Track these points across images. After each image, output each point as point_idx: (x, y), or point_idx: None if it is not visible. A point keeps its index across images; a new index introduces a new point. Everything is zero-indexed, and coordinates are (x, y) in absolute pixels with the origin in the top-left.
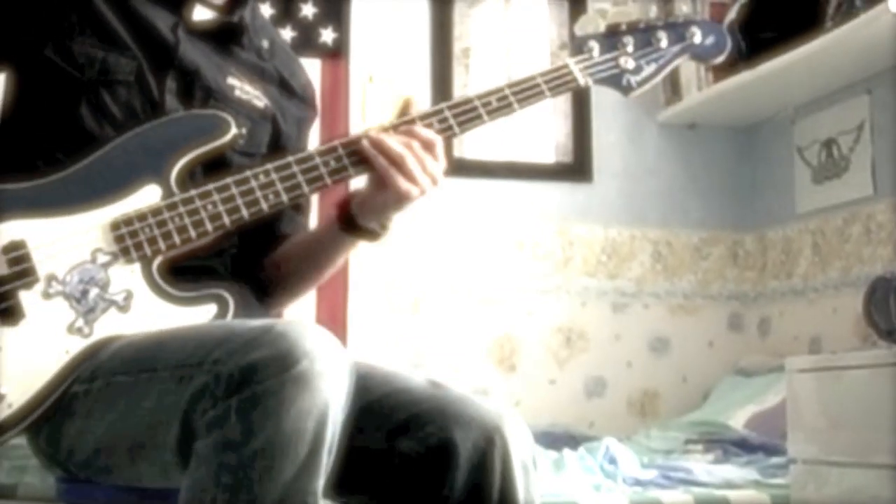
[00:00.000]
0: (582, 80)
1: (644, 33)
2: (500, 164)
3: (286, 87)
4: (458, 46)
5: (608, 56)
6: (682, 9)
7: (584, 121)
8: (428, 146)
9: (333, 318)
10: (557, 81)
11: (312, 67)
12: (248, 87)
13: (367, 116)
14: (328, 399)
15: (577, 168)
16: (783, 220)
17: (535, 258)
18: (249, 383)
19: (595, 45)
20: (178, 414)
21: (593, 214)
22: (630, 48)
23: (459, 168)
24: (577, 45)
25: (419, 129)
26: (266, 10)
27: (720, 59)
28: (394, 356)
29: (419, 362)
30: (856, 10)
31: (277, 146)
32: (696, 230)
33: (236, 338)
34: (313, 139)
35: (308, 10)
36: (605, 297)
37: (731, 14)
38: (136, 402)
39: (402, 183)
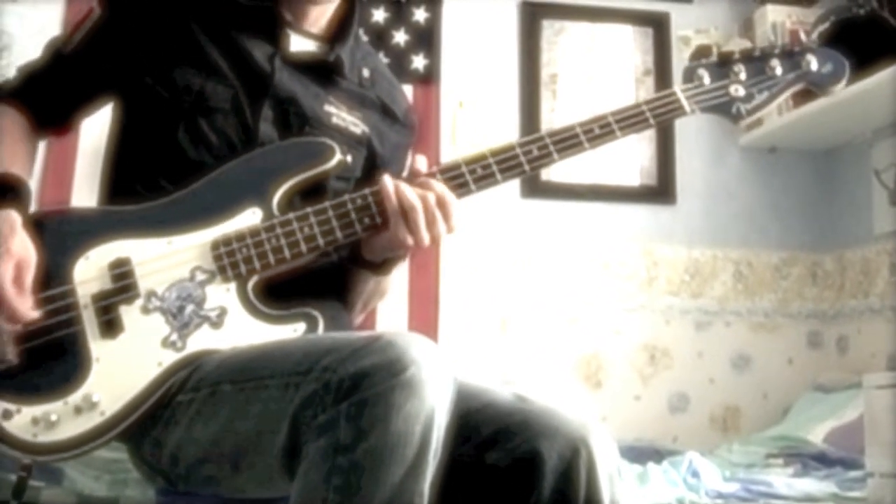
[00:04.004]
0: (688, 107)
1: (758, 62)
2: (587, 187)
3: (388, 113)
4: (545, 72)
5: (718, 84)
6: (768, 36)
7: (668, 145)
8: (441, 203)
9: (424, 336)
10: (663, 109)
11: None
12: (345, 115)
13: (456, 141)
14: (434, 404)
15: (661, 190)
16: (861, 241)
17: (620, 278)
18: (359, 389)
19: (705, 74)
20: (287, 420)
21: (677, 235)
22: (742, 76)
23: (547, 190)
24: (687, 74)
25: (436, 184)
26: None
27: (839, 86)
28: (483, 373)
29: (508, 379)
30: None
31: (373, 170)
32: (776, 251)
33: (344, 347)
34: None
35: (400, 38)
36: (689, 315)
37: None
38: (242, 409)
39: (402, 231)
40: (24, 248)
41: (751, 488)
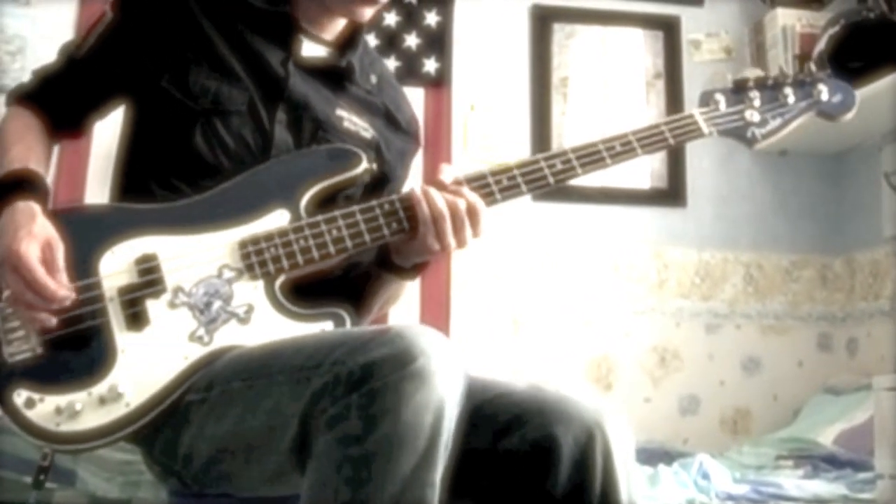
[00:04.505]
0: (706, 129)
1: (771, 89)
2: (598, 190)
3: (392, 120)
4: (556, 76)
5: (734, 109)
6: (778, 40)
7: (679, 148)
8: (471, 211)
9: None
10: (681, 130)
11: (416, 96)
12: (356, 119)
13: (468, 144)
14: (444, 395)
15: (671, 193)
16: (870, 244)
17: (630, 280)
18: (369, 380)
19: (721, 98)
20: (298, 415)
21: (687, 238)
22: (757, 102)
23: (558, 193)
24: (703, 98)
25: (468, 192)
26: (371, 41)
27: (847, 116)
28: (495, 375)
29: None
30: None
31: (381, 175)
32: (786, 253)
33: (354, 340)
34: (416, 166)
35: (412, 41)
36: (699, 318)
37: (821, 45)
38: (253, 406)
39: (430, 239)
40: (46, 229)
41: (761, 490)
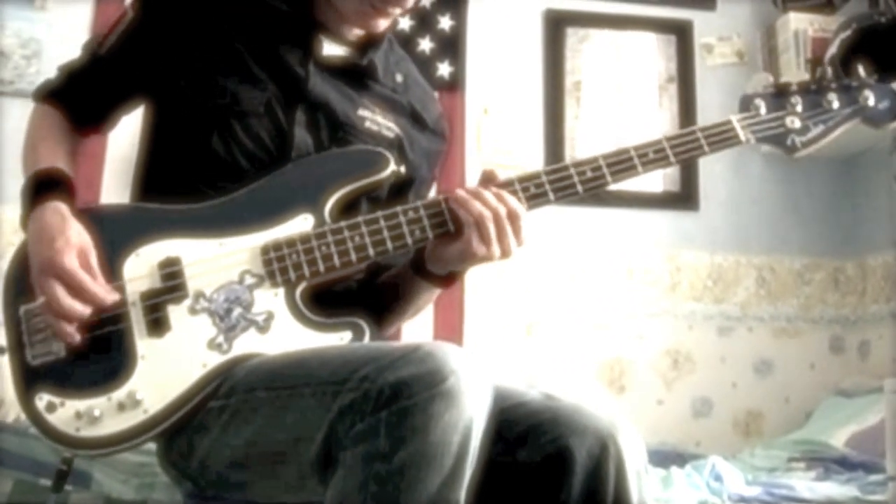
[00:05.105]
0: (743, 136)
1: (815, 94)
2: (611, 193)
3: (418, 119)
4: (569, 80)
5: (775, 115)
6: (790, 44)
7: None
8: (512, 217)
9: (449, 340)
10: (718, 137)
11: None
12: (379, 118)
13: (481, 147)
14: (473, 414)
15: (684, 197)
16: (882, 247)
17: (643, 283)
18: (399, 398)
19: (761, 104)
20: (323, 428)
21: (700, 241)
22: (799, 108)
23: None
24: (743, 103)
25: (508, 197)
26: None
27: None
28: (508, 377)
29: (532, 383)
30: None
31: (405, 176)
32: (798, 257)
33: (383, 357)
34: None
35: (426, 45)
36: (711, 320)
37: (832, 48)
38: (276, 416)
39: (475, 242)
40: (81, 235)
41: (773, 492)
